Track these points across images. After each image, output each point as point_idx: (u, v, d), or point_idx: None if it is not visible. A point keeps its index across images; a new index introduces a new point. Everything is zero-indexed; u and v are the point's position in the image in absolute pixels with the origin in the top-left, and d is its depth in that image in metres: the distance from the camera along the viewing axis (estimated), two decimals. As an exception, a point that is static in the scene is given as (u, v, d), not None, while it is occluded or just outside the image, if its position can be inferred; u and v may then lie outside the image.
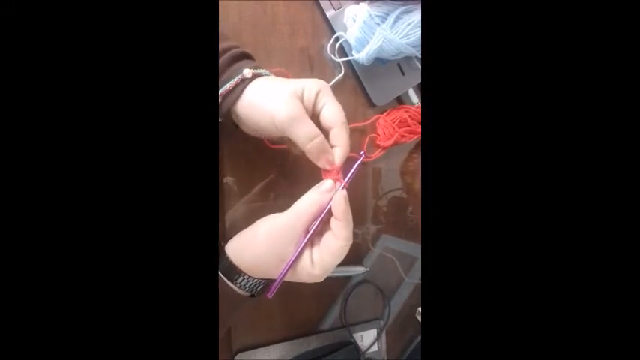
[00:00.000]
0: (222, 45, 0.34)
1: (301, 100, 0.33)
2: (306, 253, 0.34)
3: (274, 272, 0.34)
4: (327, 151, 0.34)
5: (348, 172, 0.36)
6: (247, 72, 0.34)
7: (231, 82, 0.33)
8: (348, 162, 0.36)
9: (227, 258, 0.34)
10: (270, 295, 0.35)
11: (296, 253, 0.33)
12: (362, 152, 0.36)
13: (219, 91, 0.33)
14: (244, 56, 0.36)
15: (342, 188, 0.34)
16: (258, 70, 0.35)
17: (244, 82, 0.34)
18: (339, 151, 0.34)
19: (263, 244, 0.33)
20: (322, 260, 0.33)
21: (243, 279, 0.34)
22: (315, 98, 0.34)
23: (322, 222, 0.34)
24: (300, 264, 0.33)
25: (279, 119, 0.32)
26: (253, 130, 0.36)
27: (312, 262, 0.33)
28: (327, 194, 0.33)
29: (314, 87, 0.34)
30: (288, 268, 0.33)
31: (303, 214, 0.33)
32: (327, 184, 0.34)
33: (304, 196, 0.34)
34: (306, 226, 0.33)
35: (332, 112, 0.34)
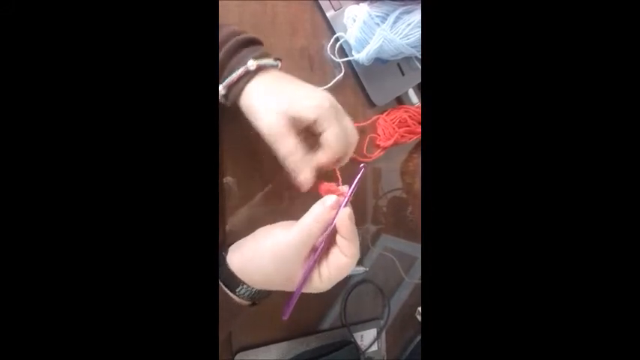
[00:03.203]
0: (225, 31, 0.34)
1: (293, 117, 0.33)
2: (315, 270, 0.34)
3: (279, 287, 0.34)
4: (302, 170, 0.34)
5: (348, 184, 0.35)
6: (251, 64, 0.33)
7: (234, 75, 0.33)
8: (348, 172, 0.36)
9: (228, 269, 0.34)
10: (286, 317, 0.35)
11: (305, 276, 0.33)
12: (362, 164, 0.35)
13: (225, 82, 0.33)
14: (249, 42, 0.35)
15: (345, 205, 0.33)
16: (263, 62, 0.34)
17: (248, 74, 0.33)
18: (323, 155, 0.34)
19: (270, 264, 0.33)
20: (330, 275, 0.33)
21: (245, 290, 0.34)
22: (312, 123, 0.33)
23: (328, 238, 0.34)
24: (309, 281, 0.34)
25: (263, 132, 0.33)
26: None
27: (320, 277, 0.34)
28: (332, 211, 0.33)
29: (313, 114, 0.33)
30: (300, 290, 0.34)
31: (309, 233, 0.32)
32: (330, 199, 0.33)
33: (308, 213, 0.33)
34: (312, 244, 0.33)
35: (332, 134, 0.34)
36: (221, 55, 0.33)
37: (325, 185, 0.35)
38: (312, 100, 0.33)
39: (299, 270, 0.33)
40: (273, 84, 0.34)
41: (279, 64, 0.36)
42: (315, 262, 0.33)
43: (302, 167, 0.34)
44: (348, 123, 0.35)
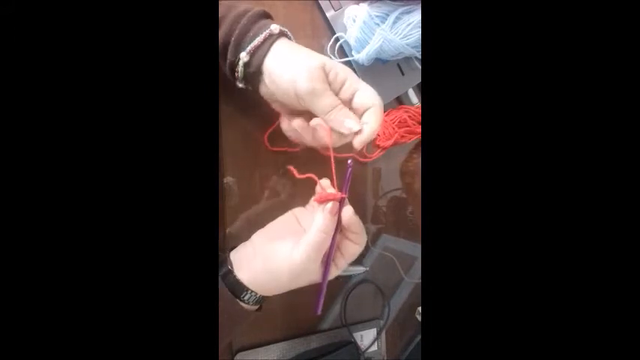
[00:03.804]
0: (240, 7, 0.34)
1: (327, 75, 0.33)
2: (332, 263, 0.35)
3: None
4: (349, 115, 0.34)
5: (340, 185, 0.35)
6: (275, 27, 0.34)
7: (259, 38, 0.33)
8: (340, 171, 0.35)
9: (235, 278, 0.34)
10: (319, 312, 0.36)
11: (326, 276, 0.35)
12: (349, 160, 0.35)
13: (249, 48, 0.33)
14: (266, 15, 0.36)
15: (343, 202, 0.34)
16: (285, 28, 0.35)
17: (272, 37, 0.34)
18: (368, 129, 0.34)
19: (288, 281, 0.34)
20: (346, 262, 0.36)
21: (251, 295, 0.34)
22: (341, 83, 0.34)
23: (336, 236, 0.34)
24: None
25: (300, 89, 0.32)
26: (275, 95, 0.35)
27: (337, 267, 0.35)
28: (335, 216, 0.33)
29: (342, 73, 0.34)
30: (324, 286, 0.35)
31: (319, 246, 0.33)
32: (330, 206, 0.33)
33: (313, 226, 0.33)
34: (324, 251, 0.34)
35: (368, 93, 0.35)
36: (240, 27, 0.33)
37: (319, 195, 0.34)
38: (340, 64, 0.34)
39: (316, 275, 0.35)
40: (298, 47, 0.35)
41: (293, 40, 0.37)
42: (330, 261, 0.35)
43: (346, 112, 0.34)
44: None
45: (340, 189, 0.34)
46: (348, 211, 0.33)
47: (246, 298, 0.34)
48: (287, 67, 0.33)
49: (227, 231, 0.43)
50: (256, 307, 0.36)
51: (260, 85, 0.35)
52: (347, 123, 0.34)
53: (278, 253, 0.34)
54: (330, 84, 0.33)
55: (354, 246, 0.35)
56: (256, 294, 0.34)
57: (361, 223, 0.35)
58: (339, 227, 0.34)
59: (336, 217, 0.33)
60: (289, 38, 0.36)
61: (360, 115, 0.35)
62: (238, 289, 0.34)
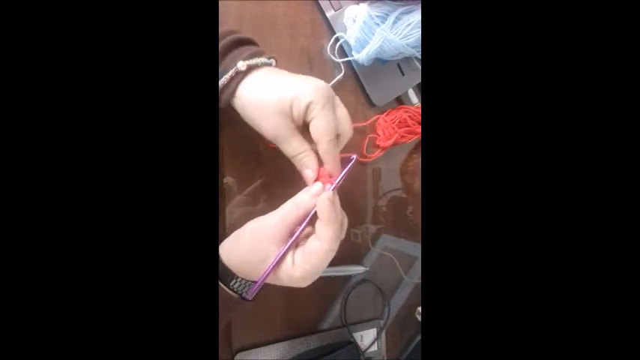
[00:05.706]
0: (221, 27, 0.33)
1: (289, 114, 0.33)
2: (289, 254, 0.33)
3: (254, 269, 0.33)
4: (310, 167, 0.34)
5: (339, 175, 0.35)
6: (241, 65, 0.33)
7: (226, 76, 0.33)
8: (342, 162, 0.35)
9: (221, 261, 0.34)
10: (250, 297, 0.34)
11: (279, 255, 0.32)
12: (353, 156, 0.35)
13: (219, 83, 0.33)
14: (239, 43, 0.35)
15: (332, 190, 0.33)
16: (253, 61, 0.34)
17: (238, 75, 0.33)
18: (328, 167, 0.34)
19: (246, 244, 0.33)
20: (304, 263, 0.32)
21: (238, 283, 0.34)
22: (304, 111, 0.33)
23: (310, 224, 0.33)
24: (281, 266, 0.32)
25: (265, 134, 0.34)
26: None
27: (293, 263, 0.32)
28: (316, 197, 0.33)
29: (304, 99, 0.32)
30: (271, 270, 0.32)
31: (287, 215, 0.32)
32: (316, 186, 0.33)
33: (291, 198, 0.34)
34: (291, 228, 0.33)
35: (317, 126, 0.33)
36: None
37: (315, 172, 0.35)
38: (305, 88, 0.32)
39: (273, 252, 0.32)
40: (263, 83, 0.34)
41: (274, 62, 0.36)
42: (290, 245, 0.32)
43: (308, 162, 0.34)
44: (342, 112, 0.35)
45: (335, 177, 0.34)
46: (324, 196, 0.32)
47: (235, 286, 0.34)
48: (252, 111, 0.33)
49: (226, 231, 0.43)
50: (241, 296, 0.35)
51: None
52: (306, 173, 0.34)
53: (252, 222, 0.34)
54: (294, 115, 0.33)
55: (314, 242, 0.32)
56: (243, 280, 0.34)
57: (335, 219, 0.32)
58: (315, 215, 0.33)
59: (312, 199, 0.33)
60: (269, 64, 0.35)
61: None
62: (225, 275, 0.33)
